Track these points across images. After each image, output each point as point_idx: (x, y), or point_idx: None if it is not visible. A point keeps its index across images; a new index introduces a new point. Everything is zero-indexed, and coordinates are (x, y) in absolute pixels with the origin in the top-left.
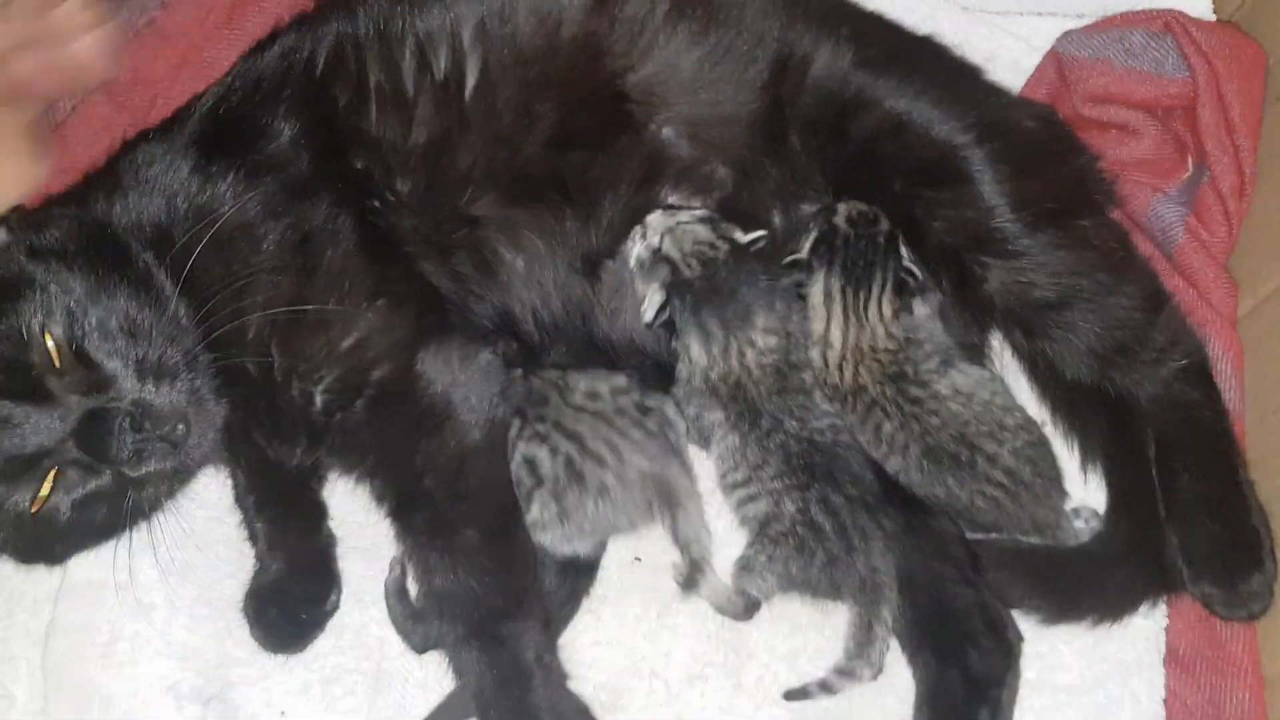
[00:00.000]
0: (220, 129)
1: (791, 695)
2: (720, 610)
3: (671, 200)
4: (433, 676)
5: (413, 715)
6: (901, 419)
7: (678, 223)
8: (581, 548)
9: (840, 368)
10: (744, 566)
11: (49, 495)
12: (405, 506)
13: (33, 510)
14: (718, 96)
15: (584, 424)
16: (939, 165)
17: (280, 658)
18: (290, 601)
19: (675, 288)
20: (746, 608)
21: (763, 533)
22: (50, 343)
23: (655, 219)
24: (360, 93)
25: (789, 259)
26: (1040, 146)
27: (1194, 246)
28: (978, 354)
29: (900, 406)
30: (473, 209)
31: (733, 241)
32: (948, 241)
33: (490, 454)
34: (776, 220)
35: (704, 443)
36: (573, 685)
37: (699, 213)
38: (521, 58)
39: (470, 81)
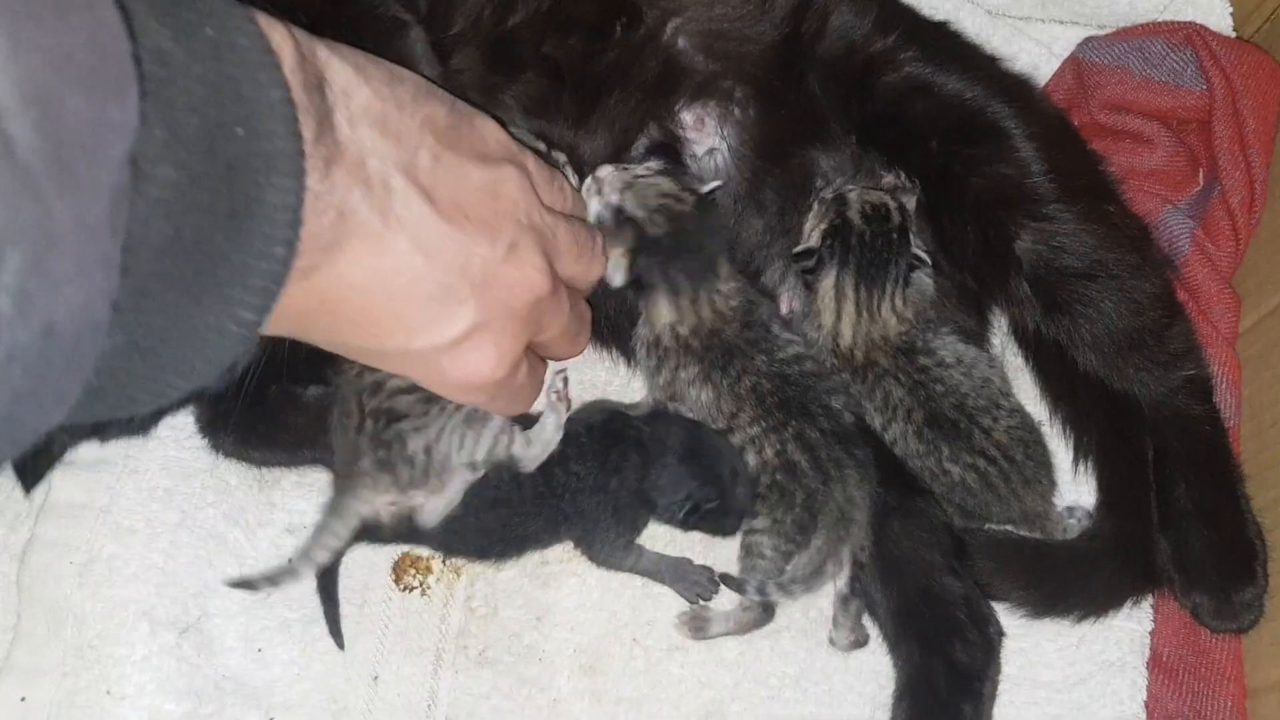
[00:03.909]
0: None
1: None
2: (743, 628)
3: (686, 117)
4: (413, 626)
5: (390, 661)
6: (911, 384)
7: (635, 177)
8: None
9: (851, 352)
10: (746, 550)
11: None
12: None
13: None
14: (734, 13)
15: None
16: (973, 123)
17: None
18: None
19: (641, 248)
20: (763, 607)
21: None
22: None
23: (607, 173)
24: None
25: (800, 248)
26: (1062, 128)
27: (1200, 259)
28: (979, 340)
29: (910, 374)
30: (451, 60)
31: (695, 192)
32: (984, 199)
33: None
34: (793, 159)
35: (677, 401)
36: (554, 646)
37: (655, 164)
38: None
39: None
